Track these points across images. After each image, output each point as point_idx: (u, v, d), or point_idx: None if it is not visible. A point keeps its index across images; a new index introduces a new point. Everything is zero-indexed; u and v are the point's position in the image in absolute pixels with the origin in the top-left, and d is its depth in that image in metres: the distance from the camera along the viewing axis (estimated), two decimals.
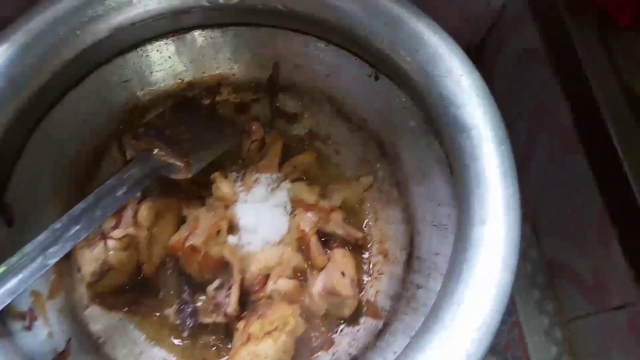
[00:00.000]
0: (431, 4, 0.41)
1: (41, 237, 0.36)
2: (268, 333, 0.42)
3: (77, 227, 0.38)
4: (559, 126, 0.53)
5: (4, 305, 0.33)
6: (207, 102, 0.52)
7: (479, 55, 0.66)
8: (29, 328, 0.40)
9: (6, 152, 0.39)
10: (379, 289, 0.48)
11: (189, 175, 0.46)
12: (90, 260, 0.44)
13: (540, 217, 0.62)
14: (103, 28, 0.42)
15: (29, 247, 0.36)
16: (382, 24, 0.40)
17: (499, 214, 0.34)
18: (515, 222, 0.34)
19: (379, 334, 0.44)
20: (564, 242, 0.59)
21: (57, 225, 0.37)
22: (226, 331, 0.46)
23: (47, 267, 0.36)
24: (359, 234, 0.49)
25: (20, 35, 0.39)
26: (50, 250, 0.36)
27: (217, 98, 0.53)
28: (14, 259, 0.35)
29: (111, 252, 0.44)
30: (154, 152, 0.45)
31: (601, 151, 0.44)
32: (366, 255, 0.50)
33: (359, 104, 0.50)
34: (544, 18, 0.53)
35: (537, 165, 0.60)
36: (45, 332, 0.41)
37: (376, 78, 0.46)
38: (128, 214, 0.46)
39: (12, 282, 0.34)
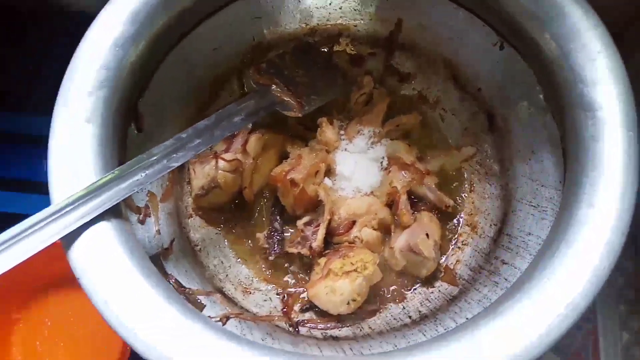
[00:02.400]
0: None
1: (168, 143, 0.40)
2: (347, 272, 0.43)
3: (199, 140, 0.41)
4: None
5: (131, 193, 0.38)
6: (325, 49, 0.54)
7: (621, 40, 0.61)
8: (142, 222, 0.44)
9: (149, 62, 0.43)
10: (460, 259, 0.48)
11: (300, 115, 0.48)
12: (201, 175, 0.48)
13: None
14: None
15: (157, 149, 0.40)
16: None
17: (610, 200, 0.33)
18: (626, 212, 0.33)
19: (453, 300, 0.45)
20: None
21: (183, 135, 0.41)
22: (307, 264, 0.49)
23: (169, 170, 0.39)
24: (450, 202, 0.49)
25: None
26: (174, 155, 0.40)
27: (335, 47, 0.54)
28: (143, 157, 0.39)
29: (220, 172, 0.47)
30: (272, 88, 0.48)
31: None
32: (453, 224, 0.50)
33: (477, 73, 0.49)
34: None
35: None
36: (155, 228, 0.46)
37: (501, 47, 0.45)
38: (238, 141, 0.50)
39: (140, 175, 0.38)
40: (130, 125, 0.44)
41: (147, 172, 0.38)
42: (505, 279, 0.41)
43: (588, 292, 0.31)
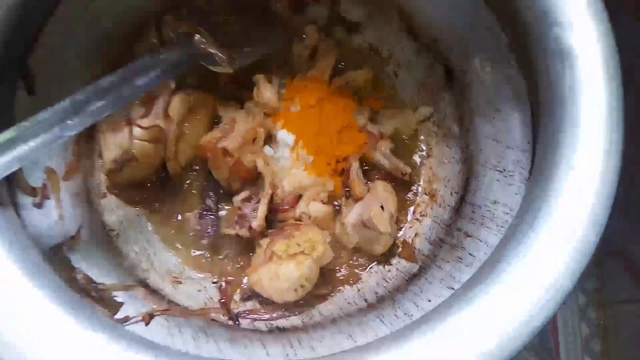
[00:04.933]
0: None
1: (59, 106, 0.33)
2: (293, 255, 0.38)
3: (102, 102, 0.34)
4: None
5: (9, 172, 0.30)
6: None
7: None
8: (39, 205, 0.37)
9: (36, 8, 0.34)
10: (419, 232, 0.44)
11: (230, 71, 0.42)
12: (113, 146, 0.40)
13: None
14: None
15: (44, 114, 0.32)
16: None
17: (594, 161, 0.28)
18: (612, 174, 0.28)
19: (412, 278, 0.41)
20: (624, 223, 0.53)
21: (80, 96, 0.33)
22: (247, 247, 0.43)
23: (62, 140, 0.32)
24: (407, 169, 0.44)
25: None
26: (69, 122, 0.32)
27: None
28: (26, 124, 0.31)
29: (136, 141, 0.40)
30: (196, 38, 0.41)
31: None
32: (411, 193, 0.46)
33: (433, 21, 0.43)
34: None
35: None
36: (56, 213, 0.38)
37: None
38: (159, 104, 0.42)
39: (22, 148, 0.30)
40: (17, 86, 0.36)
41: (31, 144, 0.31)
42: (470, 254, 0.37)
43: (573, 271, 0.27)
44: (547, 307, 0.26)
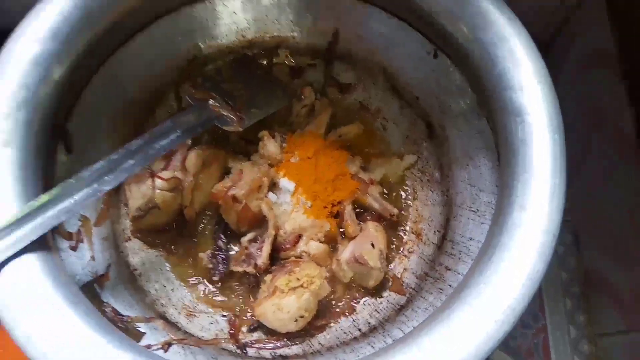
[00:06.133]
0: None
1: (98, 165, 0.38)
2: (293, 289, 0.43)
3: (132, 161, 0.39)
4: (619, 133, 0.51)
5: (58, 222, 0.35)
6: (264, 62, 0.53)
7: (546, 52, 0.64)
8: (74, 248, 0.42)
9: (75, 80, 0.41)
10: (407, 267, 0.48)
11: (240, 129, 0.47)
12: (137, 195, 0.46)
13: (584, 226, 0.60)
14: None
15: (85, 173, 0.37)
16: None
17: (541, 202, 0.33)
18: (556, 213, 0.33)
19: (401, 309, 0.45)
20: (606, 255, 0.57)
21: (114, 156, 0.39)
22: (254, 282, 0.47)
23: (100, 194, 0.37)
24: (395, 210, 0.49)
25: None
26: (105, 178, 0.38)
27: (275, 59, 0.54)
28: (71, 181, 0.37)
29: (157, 191, 0.46)
30: (210, 103, 0.47)
31: None
32: (399, 232, 0.50)
33: (413, 81, 0.49)
34: (622, 19, 0.51)
35: (588, 172, 0.58)
36: (89, 255, 0.43)
37: (435, 56, 0.45)
38: (177, 158, 0.48)
39: (68, 202, 0.36)
40: (58, 147, 0.42)
41: (75, 198, 0.36)
42: (450, 285, 0.41)
43: (524, 296, 0.31)
44: (502, 327, 0.31)
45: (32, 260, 0.33)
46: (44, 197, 0.35)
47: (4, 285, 0.32)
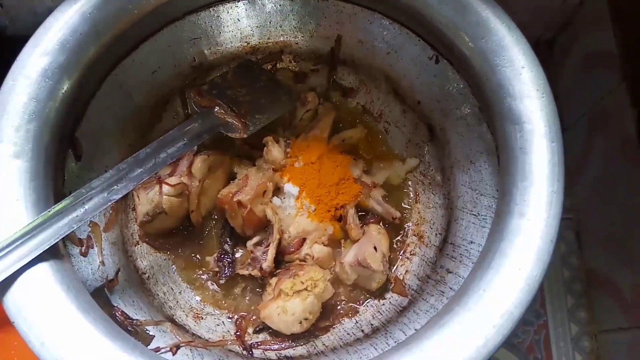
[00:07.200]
0: None
1: (108, 175, 0.39)
2: (298, 292, 0.44)
3: (140, 170, 0.40)
4: (621, 134, 0.51)
5: (70, 231, 0.36)
6: (268, 67, 0.54)
7: (549, 52, 0.64)
8: (84, 254, 0.43)
9: (83, 90, 0.42)
10: (409, 269, 0.49)
11: (245, 136, 0.48)
12: (145, 201, 0.47)
13: (586, 225, 0.61)
14: None
15: (96, 182, 0.39)
16: (450, 8, 0.40)
17: (539, 210, 0.34)
18: (554, 220, 0.34)
19: (403, 311, 0.46)
20: (608, 254, 0.57)
21: (123, 165, 0.40)
22: (259, 285, 0.48)
23: (110, 202, 0.39)
24: (397, 213, 0.50)
25: None
26: (115, 187, 0.39)
27: (278, 65, 0.54)
28: (82, 191, 0.38)
29: (165, 197, 0.47)
30: (215, 110, 0.47)
31: None
32: (401, 235, 0.51)
33: (415, 86, 0.50)
34: (623, 19, 0.51)
35: (590, 172, 0.58)
36: (98, 260, 0.44)
37: (436, 61, 0.46)
38: (183, 164, 0.49)
39: (79, 211, 0.37)
40: (67, 155, 0.43)
41: (86, 207, 0.38)
42: (451, 288, 0.42)
43: (522, 301, 0.32)
44: (501, 331, 0.32)
45: (45, 269, 0.35)
46: (56, 207, 0.36)
47: (19, 294, 0.33)
